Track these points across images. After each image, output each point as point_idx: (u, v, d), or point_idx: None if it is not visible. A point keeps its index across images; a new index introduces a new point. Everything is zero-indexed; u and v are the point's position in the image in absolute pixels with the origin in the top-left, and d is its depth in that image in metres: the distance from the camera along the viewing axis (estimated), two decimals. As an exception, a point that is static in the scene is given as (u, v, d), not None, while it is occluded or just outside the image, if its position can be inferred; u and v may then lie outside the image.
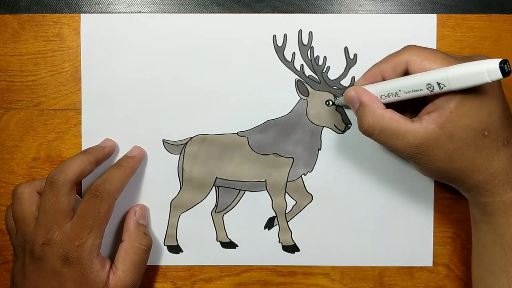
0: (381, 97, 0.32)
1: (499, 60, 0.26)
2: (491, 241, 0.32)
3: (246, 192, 0.39)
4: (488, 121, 0.30)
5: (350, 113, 0.38)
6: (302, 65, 0.38)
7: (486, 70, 0.27)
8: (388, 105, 0.32)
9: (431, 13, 0.38)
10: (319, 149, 0.39)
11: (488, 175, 0.31)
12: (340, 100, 0.37)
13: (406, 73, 0.32)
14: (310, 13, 0.38)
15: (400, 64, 0.32)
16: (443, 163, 0.31)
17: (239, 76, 0.38)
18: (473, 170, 0.31)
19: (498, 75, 0.26)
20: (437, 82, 0.29)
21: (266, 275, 0.39)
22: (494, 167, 0.30)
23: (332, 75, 0.38)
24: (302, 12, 0.38)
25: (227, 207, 0.39)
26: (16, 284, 0.34)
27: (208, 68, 0.38)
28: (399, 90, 0.31)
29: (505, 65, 0.26)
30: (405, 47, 0.32)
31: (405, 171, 0.38)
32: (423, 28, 0.38)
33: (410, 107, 0.34)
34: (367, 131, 0.32)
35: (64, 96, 0.39)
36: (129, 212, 0.38)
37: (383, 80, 0.33)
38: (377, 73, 0.33)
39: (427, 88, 0.29)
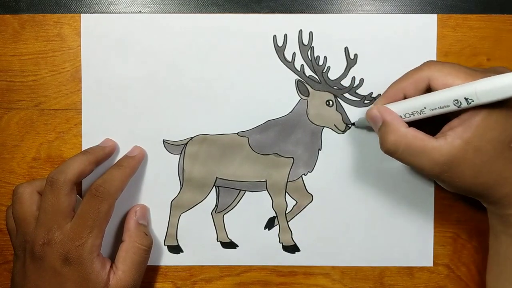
0: (405, 116, 0.32)
1: None
2: None
3: (246, 192, 0.39)
4: None
5: (350, 113, 0.38)
6: (302, 65, 0.38)
7: None
8: (408, 124, 0.32)
9: (431, 13, 0.38)
10: (320, 149, 0.39)
11: None
12: (360, 121, 0.37)
13: (428, 89, 0.31)
14: (310, 13, 0.38)
15: (422, 80, 0.31)
16: (471, 179, 0.30)
17: (239, 76, 0.38)
18: (502, 182, 0.30)
19: None
20: (465, 98, 0.28)
21: (266, 275, 0.39)
22: None
23: (333, 75, 0.38)
24: (302, 12, 0.38)
25: (227, 207, 0.39)
26: (16, 284, 0.34)
27: (208, 68, 0.38)
28: (425, 108, 0.31)
29: None
30: (425, 63, 0.32)
31: (405, 171, 0.38)
32: (423, 28, 0.38)
33: (429, 124, 0.33)
34: (390, 150, 0.32)
35: (65, 96, 0.39)
36: (130, 212, 0.38)
37: (405, 98, 0.33)
38: (399, 91, 0.33)
39: (454, 104, 0.29)
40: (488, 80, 0.28)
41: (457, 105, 0.29)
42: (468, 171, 0.30)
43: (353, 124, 0.38)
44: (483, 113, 0.29)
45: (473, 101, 0.28)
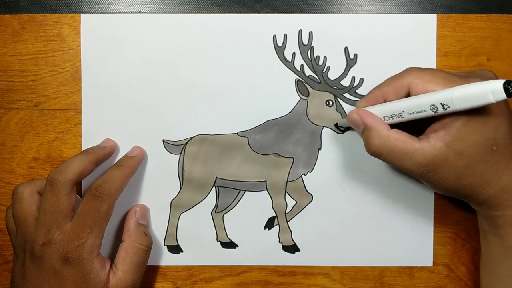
0: (384, 118, 0.32)
1: (503, 80, 0.26)
2: (501, 253, 0.32)
3: (246, 192, 0.39)
4: (496, 136, 0.30)
5: (350, 113, 0.38)
6: (302, 65, 0.38)
7: (491, 91, 0.26)
8: (393, 124, 0.32)
9: (431, 13, 0.38)
10: (319, 149, 0.39)
11: (498, 190, 0.31)
12: (343, 122, 0.38)
13: (408, 96, 0.32)
14: (310, 13, 0.38)
15: (402, 87, 0.32)
16: (454, 180, 0.31)
17: (239, 76, 0.38)
18: (484, 185, 0.31)
19: (503, 95, 0.26)
20: (441, 103, 0.29)
21: (266, 275, 0.39)
22: (504, 181, 0.30)
23: (332, 75, 0.38)
24: (302, 12, 0.38)
25: (227, 207, 0.39)
26: (16, 284, 0.34)
27: (208, 68, 0.38)
28: (403, 111, 0.31)
29: (509, 86, 0.26)
30: (406, 70, 0.32)
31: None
32: (423, 28, 0.38)
33: (416, 124, 0.33)
34: (375, 153, 0.32)
35: (64, 96, 0.39)
36: (129, 212, 0.38)
37: (385, 102, 0.33)
38: (379, 96, 0.33)
39: (431, 109, 0.29)
40: (464, 88, 0.28)
41: (433, 110, 0.29)
42: (450, 173, 0.30)
43: (336, 125, 0.38)
44: (463, 117, 0.29)
45: (449, 107, 0.28)
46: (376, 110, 0.33)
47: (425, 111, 0.30)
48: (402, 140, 0.31)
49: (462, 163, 0.30)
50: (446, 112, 0.29)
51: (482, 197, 0.31)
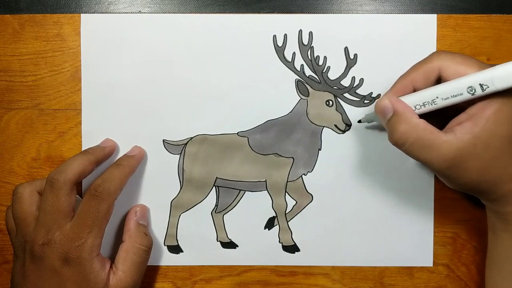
0: (415, 107, 0.31)
1: None
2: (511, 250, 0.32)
3: (246, 192, 0.39)
4: None
5: (350, 113, 0.38)
6: (302, 65, 0.38)
7: None
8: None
9: (431, 13, 0.38)
10: (320, 149, 0.39)
11: None
12: (368, 117, 0.36)
13: (438, 80, 0.31)
14: (310, 13, 0.38)
15: (432, 71, 0.31)
16: (477, 176, 0.30)
17: (239, 76, 0.38)
18: (506, 179, 0.30)
19: None
20: (480, 84, 0.28)
21: (266, 275, 0.39)
22: None
23: (332, 75, 0.38)
24: (302, 12, 0.38)
25: (227, 207, 0.39)
26: (16, 284, 0.34)
27: (208, 68, 0.38)
28: (436, 97, 0.30)
29: None
30: (434, 53, 0.31)
31: (405, 171, 0.38)
32: (423, 28, 0.38)
33: (434, 120, 0.32)
34: (399, 140, 0.31)
35: (64, 96, 0.39)
36: (130, 213, 0.38)
37: (414, 91, 0.32)
38: (408, 84, 0.32)
39: (468, 92, 0.29)
40: (504, 66, 0.27)
41: (471, 92, 0.28)
42: (475, 166, 0.30)
43: (359, 121, 0.38)
44: (493, 107, 0.29)
45: (488, 87, 0.28)
46: (406, 100, 0.32)
47: (461, 94, 0.29)
48: (430, 131, 0.30)
49: (488, 155, 0.29)
50: (484, 93, 0.28)
51: (500, 191, 0.31)
